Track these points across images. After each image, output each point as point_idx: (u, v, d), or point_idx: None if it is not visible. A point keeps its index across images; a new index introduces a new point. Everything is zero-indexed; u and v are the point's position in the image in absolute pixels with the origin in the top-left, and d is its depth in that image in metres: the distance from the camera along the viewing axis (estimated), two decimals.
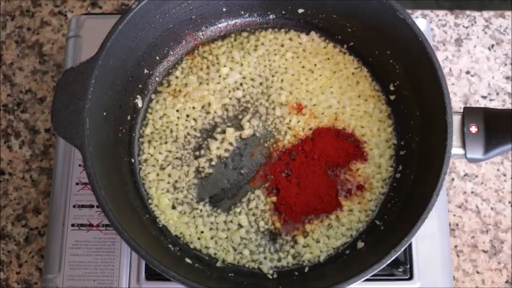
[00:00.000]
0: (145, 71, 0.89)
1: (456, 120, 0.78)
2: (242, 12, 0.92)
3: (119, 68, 0.82)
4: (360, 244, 0.82)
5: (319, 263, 0.83)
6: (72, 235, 0.86)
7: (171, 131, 0.88)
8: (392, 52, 0.86)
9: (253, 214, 0.85)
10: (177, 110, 0.89)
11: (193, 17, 0.89)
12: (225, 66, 0.90)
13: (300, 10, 0.91)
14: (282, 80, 0.90)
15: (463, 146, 0.78)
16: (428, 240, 0.86)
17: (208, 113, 0.89)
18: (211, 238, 0.83)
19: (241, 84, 0.90)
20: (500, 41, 1.03)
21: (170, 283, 0.75)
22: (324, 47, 0.92)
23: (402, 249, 0.72)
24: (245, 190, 0.86)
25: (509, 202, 0.95)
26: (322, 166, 0.85)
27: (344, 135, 0.87)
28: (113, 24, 0.78)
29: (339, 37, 0.91)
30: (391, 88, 0.89)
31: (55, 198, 0.88)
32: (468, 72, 1.01)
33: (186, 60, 0.91)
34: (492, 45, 1.03)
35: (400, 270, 0.84)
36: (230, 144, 0.87)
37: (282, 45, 0.92)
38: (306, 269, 0.82)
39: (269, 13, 0.92)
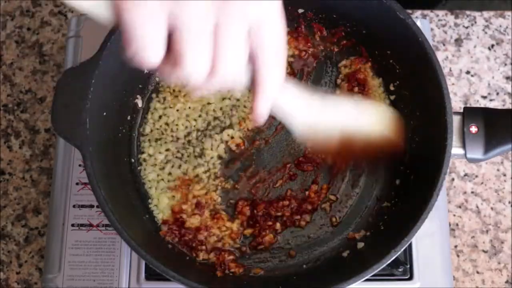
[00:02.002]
0: (145, 71, 0.89)
1: (456, 120, 0.78)
2: None
3: (119, 68, 0.81)
4: (360, 244, 0.82)
5: (319, 263, 0.83)
6: (72, 235, 0.86)
7: (171, 131, 0.88)
8: (392, 52, 0.86)
9: None
10: (177, 110, 0.89)
11: None
12: None
13: (300, 10, 0.91)
14: None
15: (463, 146, 0.78)
16: (428, 240, 0.86)
17: (208, 113, 0.89)
18: None
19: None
20: (500, 41, 1.03)
21: (170, 283, 0.75)
22: None
23: (402, 249, 0.72)
24: None
25: (509, 202, 0.95)
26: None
27: None
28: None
29: (338, 36, 0.91)
30: (391, 88, 0.89)
31: (55, 198, 0.88)
32: (468, 72, 1.01)
33: None
34: (492, 45, 1.03)
35: (400, 270, 0.84)
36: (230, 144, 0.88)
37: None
38: (306, 269, 0.82)
39: None
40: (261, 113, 0.60)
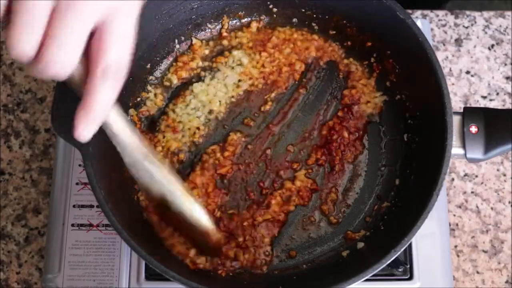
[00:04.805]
0: (145, 71, 0.89)
1: (456, 120, 0.78)
2: (243, 12, 0.92)
3: None
4: (360, 244, 0.82)
5: (319, 263, 0.83)
6: (72, 235, 0.86)
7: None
8: (392, 52, 0.86)
9: None
10: (180, 109, 0.88)
11: (193, 17, 0.89)
12: (225, 66, 0.90)
13: (301, 10, 0.91)
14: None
15: (463, 146, 0.78)
16: (428, 240, 0.86)
17: (210, 112, 0.89)
18: None
19: (243, 83, 0.90)
20: (500, 41, 1.03)
21: (170, 283, 0.75)
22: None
23: (402, 249, 0.72)
24: None
25: (509, 202, 0.95)
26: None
27: None
28: None
29: (339, 36, 0.91)
30: (388, 85, 0.89)
31: (55, 198, 0.88)
32: (468, 72, 1.01)
33: (186, 60, 0.91)
34: (492, 45, 1.03)
35: (400, 270, 0.84)
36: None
37: (282, 44, 0.92)
38: (306, 269, 0.82)
39: (268, 13, 0.92)
40: (80, 132, 0.53)
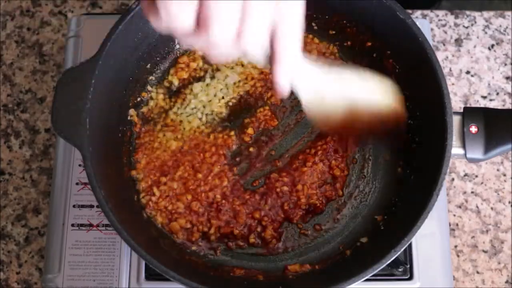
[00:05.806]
0: (145, 71, 0.89)
1: (456, 120, 0.78)
2: None
3: (119, 68, 0.82)
4: (361, 244, 0.82)
5: (319, 263, 0.83)
6: (72, 235, 0.86)
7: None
8: (392, 52, 0.86)
9: None
10: (178, 108, 0.88)
11: None
12: (225, 66, 0.90)
13: None
14: None
15: (463, 146, 0.78)
16: (428, 240, 0.86)
17: (211, 112, 0.89)
18: None
19: (243, 84, 0.90)
20: (500, 41, 1.03)
21: (170, 283, 0.75)
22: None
23: (402, 249, 0.72)
24: None
25: (509, 202, 0.95)
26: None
27: None
28: (113, 24, 0.78)
29: (339, 36, 0.91)
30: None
31: (55, 198, 0.88)
32: (468, 72, 1.01)
33: (187, 61, 0.91)
34: (492, 45, 1.03)
35: (400, 270, 0.84)
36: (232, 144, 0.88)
37: None
38: (306, 269, 0.82)
39: None
40: (283, 85, 0.59)
